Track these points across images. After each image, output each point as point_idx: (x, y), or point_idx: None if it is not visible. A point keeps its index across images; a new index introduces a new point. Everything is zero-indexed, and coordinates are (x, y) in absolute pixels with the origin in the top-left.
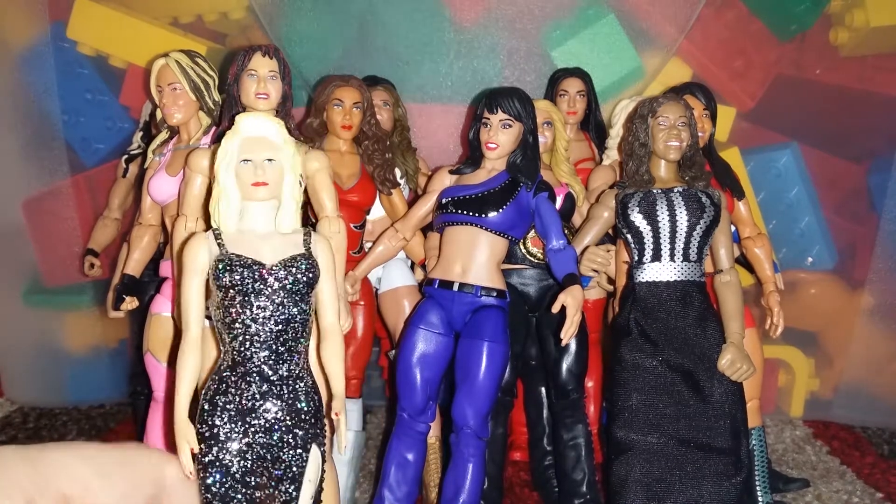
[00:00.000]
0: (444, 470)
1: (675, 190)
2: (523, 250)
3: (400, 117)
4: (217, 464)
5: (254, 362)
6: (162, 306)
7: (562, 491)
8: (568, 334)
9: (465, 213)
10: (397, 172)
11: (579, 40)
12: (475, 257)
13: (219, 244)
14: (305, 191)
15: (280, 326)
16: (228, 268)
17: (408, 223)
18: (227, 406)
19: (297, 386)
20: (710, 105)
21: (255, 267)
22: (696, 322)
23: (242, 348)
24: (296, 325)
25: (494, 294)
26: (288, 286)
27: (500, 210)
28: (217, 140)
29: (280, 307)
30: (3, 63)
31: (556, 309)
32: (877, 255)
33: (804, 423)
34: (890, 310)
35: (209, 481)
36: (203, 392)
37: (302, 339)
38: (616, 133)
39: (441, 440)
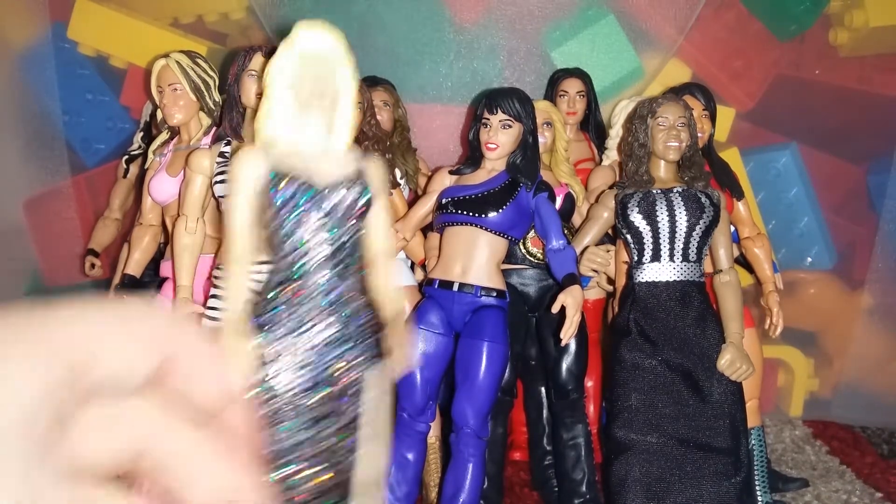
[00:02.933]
0: (444, 470)
1: (675, 190)
2: (523, 250)
3: (400, 118)
4: (269, 383)
5: (308, 282)
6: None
7: (561, 491)
8: (567, 334)
9: (464, 213)
10: (397, 173)
11: (579, 41)
12: (475, 257)
13: (270, 159)
14: None
15: (335, 246)
16: (284, 182)
17: (408, 223)
18: (282, 324)
19: (350, 307)
20: (709, 105)
21: (309, 185)
22: (696, 322)
23: (295, 267)
24: (349, 246)
25: (494, 294)
26: (346, 206)
27: (500, 210)
28: (217, 140)
29: (335, 228)
30: (3, 63)
31: (555, 309)
32: (876, 255)
33: (804, 422)
34: (890, 310)
35: (263, 399)
36: (253, 310)
37: (353, 262)
38: (616, 133)
39: (441, 440)
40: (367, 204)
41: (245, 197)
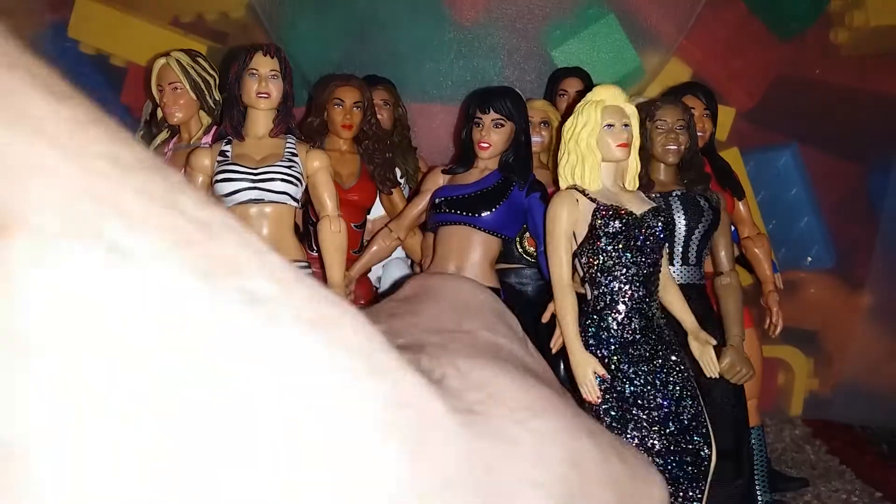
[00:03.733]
0: None
1: (674, 194)
2: (520, 250)
3: (400, 117)
4: (611, 390)
5: (635, 300)
6: None
7: None
8: (557, 344)
9: (457, 212)
10: (397, 172)
11: (579, 40)
12: (469, 256)
13: (591, 199)
14: (306, 190)
15: (648, 270)
16: (615, 216)
17: (402, 223)
18: (610, 341)
19: (660, 322)
20: (710, 105)
21: (630, 217)
22: None
23: (620, 289)
24: (655, 271)
25: None
26: (657, 234)
27: (493, 209)
28: (218, 139)
29: (652, 253)
30: None
31: (545, 319)
32: (876, 255)
33: (803, 422)
34: (890, 310)
35: (605, 407)
36: (584, 328)
37: (656, 285)
38: None
39: None
40: (671, 231)
41: (566, 232)
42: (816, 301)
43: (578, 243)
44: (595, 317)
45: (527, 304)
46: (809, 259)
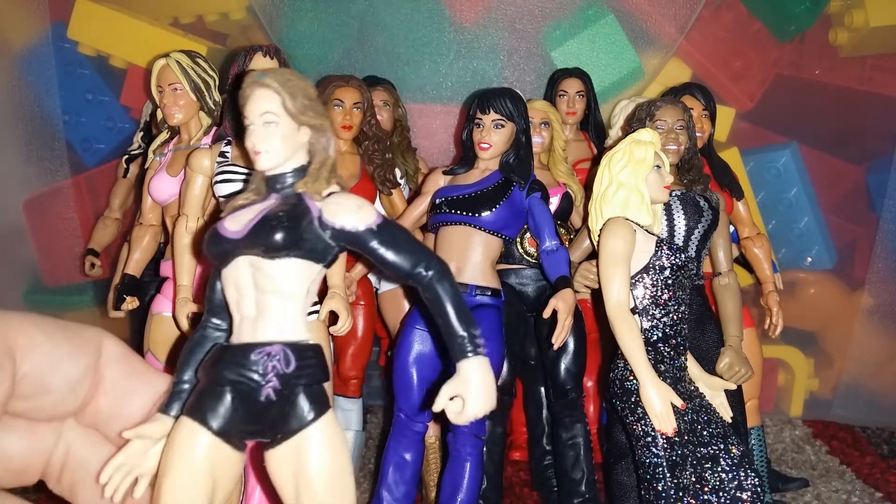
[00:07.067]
0: (444, 469)
1: (673, 194)
2: (520, 250)
3: (400, 117)
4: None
5: (682, 336)
6: (162, 306)
7: (561, 490)
8: (559, 339)
9: (458, 212)
10: (397, 172)
11: (579, 40)
12: (469, 257)
13: (646, 230)
14: None
15: (686, 307)
16: (669, 251)
17: (402, 224)
18: (666, 374)
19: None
20: (709, 105)
21: (686, 255)
22: (695, 324)
23: (672, 323)
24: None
25: (489, 293)
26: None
27: (493, 209)
28: (217, 140)
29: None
30: (3, 63)
31: (546, 314)
32: (876, 255)
33: (803, 422)
34: (889, 310)
35: (659, 441)
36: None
37: None
38: (615, 134)
39: (440, 440)
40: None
41: (628, 258)
42: (816, 301)
43: (632, 273)
44: (649, 349)
45: (527, 303)
46: (809, 259)
